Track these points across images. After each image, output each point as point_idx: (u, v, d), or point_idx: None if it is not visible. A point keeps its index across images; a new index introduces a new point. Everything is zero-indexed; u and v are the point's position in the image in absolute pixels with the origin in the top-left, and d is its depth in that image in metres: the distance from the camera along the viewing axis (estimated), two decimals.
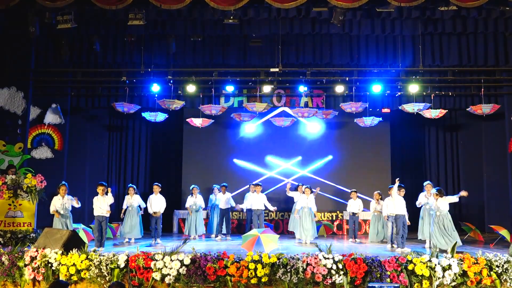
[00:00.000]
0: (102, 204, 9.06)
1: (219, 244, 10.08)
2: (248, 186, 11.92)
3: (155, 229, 10.16)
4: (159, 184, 10.58)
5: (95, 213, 9.07)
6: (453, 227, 8.95)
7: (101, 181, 9.83)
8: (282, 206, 12.25)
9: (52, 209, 8.99)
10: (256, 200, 10.95)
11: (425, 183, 10.15)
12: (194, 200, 11.14)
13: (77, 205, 9.28)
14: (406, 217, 9.33)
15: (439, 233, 8.85)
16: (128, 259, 6.65)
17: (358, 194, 11.45)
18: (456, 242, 7.07)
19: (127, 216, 10.34)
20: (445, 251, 7.76)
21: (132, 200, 10.36)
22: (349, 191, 11.62)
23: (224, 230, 11.30)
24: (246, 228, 11.01)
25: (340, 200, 12.82)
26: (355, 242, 10.78)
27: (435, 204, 9.07)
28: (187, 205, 11.20)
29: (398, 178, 9.55)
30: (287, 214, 12.21)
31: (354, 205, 11.17)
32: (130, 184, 10.91)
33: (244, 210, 11.43)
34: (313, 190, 10.74)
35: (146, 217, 10.57)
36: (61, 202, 9.01)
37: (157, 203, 10.31)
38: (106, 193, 9.15)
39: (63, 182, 9.29)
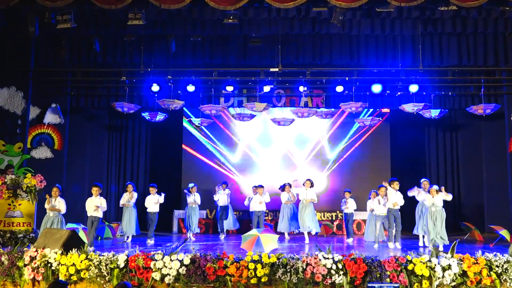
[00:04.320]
0: (93, 205, 9.05)
1: (219, 244, 10.09)
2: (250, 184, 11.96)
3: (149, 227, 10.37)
4: (155, 185, 10.68)
5: (88, 213, 9.14)
6: (444, 224, 9.14)
7: (100, 181, 9.85)
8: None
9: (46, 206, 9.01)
10: (257, 202, 11.07)
11: (422, 180, 10.20)
12: (194, 198, 11.20)
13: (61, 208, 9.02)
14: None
15: (432, 228, 9.06)
16: (127, 259, 6.63)
17: (357, 194, 11.56)
18: (456, 242, 7.04)
19: (125, 213, 10.41)
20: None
21: (130, 197, 10.49)
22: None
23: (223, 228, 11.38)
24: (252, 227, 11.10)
25: (339, 200, 12.79)
26: (352, 241, 10.94)
27: (432, 200, 9.21)
28: (188, 202, 11.24)
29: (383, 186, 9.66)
30: None
31: (347, 205, 11.28)
32: (129, 182, 10.97)
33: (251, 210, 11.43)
34: (313, 183, 11.05)
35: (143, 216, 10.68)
36: (52, 203, 8.94)
37: (150, 203, 10.47)
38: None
39: (56, 184, 9.26)
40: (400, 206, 9.71)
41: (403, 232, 9.99)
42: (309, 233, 10.86)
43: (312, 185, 10.99)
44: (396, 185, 9.38)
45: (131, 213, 10.47)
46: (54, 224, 8.80)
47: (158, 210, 10.55)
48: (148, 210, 10.51)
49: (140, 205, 11.15)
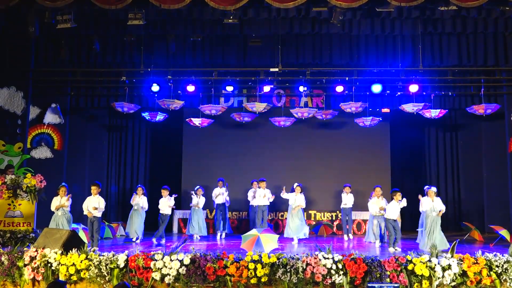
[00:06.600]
0: (93, 204, 9.01)
1: (219, 244, 10.09)
2: (250, 184, 11.93)
3: (157, 230, 10.39)
4: (168, 187, 10.66)
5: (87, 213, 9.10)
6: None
7: (100, 181, 9.86)
8: (282, 206, 12.23)
9: (52, 208, 9.00)
10: (261, 196, 11.06)
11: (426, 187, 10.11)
12: (198, 200, 11.25)
13: (67, 202, 9.05)
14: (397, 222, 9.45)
15: (432, 233, 8.94)
16: (127, 259, 6.64)
17: (354, 192, 11.60)
18: (456, 242, 7.04)
19: (133, 215, 10.45)
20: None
21: (140, 199, 10.54)
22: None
23: (221, 227, 11.37)
24: (250, 226, 11.08)
25: (339, 200, 12.78)
26: (348, 238, 10.93)
27: (432, 204, 9.12)
28: (192, 204, 11.28)
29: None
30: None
31: (346, 199, 11.33)
32: (140, 185, 11.06)
33: (254, 205, 11.35)
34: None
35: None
36: (60, 202, 8.96)
37: (164, 205, 10.47)
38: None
39: (63, 184, 9.26)
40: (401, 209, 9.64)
41: (403, 232, 9.95)
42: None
43: (301, 191, 10.90)
44: (398, 196, 9.33)
45: (139, 216, 10.54)
46: (63, 222, 8.83)
47: (170, 213, 10.62)
48: (161, 212, 10.48)
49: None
